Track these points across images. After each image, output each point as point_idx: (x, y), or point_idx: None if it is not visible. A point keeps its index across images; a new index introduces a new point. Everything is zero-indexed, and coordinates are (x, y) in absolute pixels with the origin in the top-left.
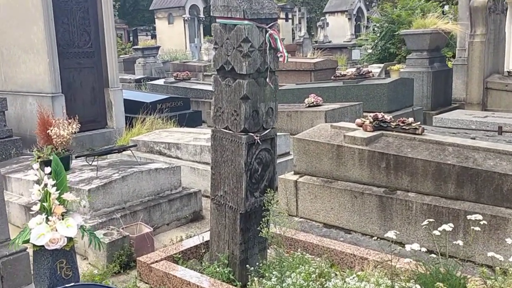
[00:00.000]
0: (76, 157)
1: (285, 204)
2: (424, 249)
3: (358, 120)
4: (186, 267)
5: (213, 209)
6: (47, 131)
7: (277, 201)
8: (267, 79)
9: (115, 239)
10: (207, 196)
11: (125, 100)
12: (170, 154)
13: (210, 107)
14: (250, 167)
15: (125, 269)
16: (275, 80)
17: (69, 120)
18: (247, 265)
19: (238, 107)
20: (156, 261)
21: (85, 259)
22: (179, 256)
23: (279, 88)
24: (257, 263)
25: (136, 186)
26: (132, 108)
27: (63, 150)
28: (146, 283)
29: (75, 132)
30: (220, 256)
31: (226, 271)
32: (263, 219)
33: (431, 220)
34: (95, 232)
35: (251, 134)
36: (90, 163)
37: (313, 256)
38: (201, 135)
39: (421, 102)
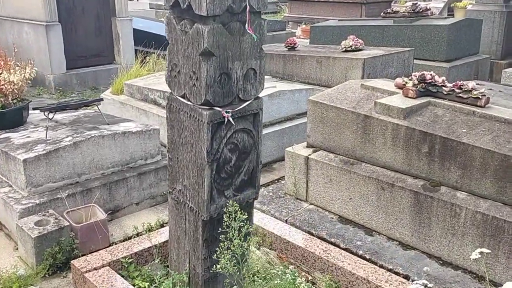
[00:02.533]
0: (33, 109)
1: (292, 185)
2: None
3: (398, 80)
4: (136, 276)
5: (171, 205)
6: None
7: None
8: (246, 25)
9: (48, 231)
10: None
11: (136, 31)
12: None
13: None
14: (217, 156)
15: (63, 269)
16: (261, 26)
17: (23, 63)
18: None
19: (198, 67)
20: (95, 268)
21: (17, 249)
22: (129, 260)
23: (316, 25)
24: (231, 281)
25: (95, 155)
26: (147, 41)
27: (15, 100)
28: None
29: (31, 79)
30: (178, 272)
31: None
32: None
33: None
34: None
35: (217, 108)
36: (49, 117)
37: (311, 273)
38: None
39: (489, 49)
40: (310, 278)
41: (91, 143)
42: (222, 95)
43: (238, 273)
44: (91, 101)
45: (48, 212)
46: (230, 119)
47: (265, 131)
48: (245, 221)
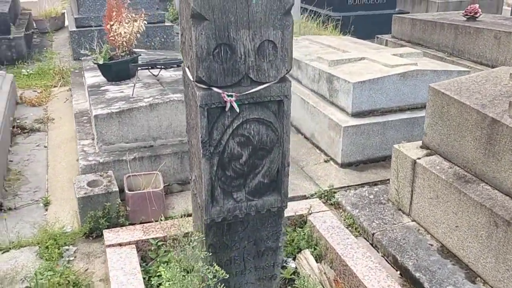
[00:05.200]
0: (139, 66)
1: (395, 191)
2: None
3: None
4: (164, 262)
5: (191, 195)
6: (107, 25)
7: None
8: None
9: (94, 193)
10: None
11: None
12: (291, 74)
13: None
14: (220, 149)
15: None
16: None
17: (133, 15)
18: None
19: (190, 34)
20: (120, 244)
21: None
22: (159, 243)
23: None
24: None
25: (173, 120)
26: None
27: (123, 53)
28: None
29: (140, 32)
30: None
31: None
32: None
33: None
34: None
35: (215, 89)
36: (154, 74)
37: None
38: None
39: None
40: None
41: (168, 107)
42: (222, 72)
43: None
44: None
45: (106, 173)
46: (234, 104)
47: (389, 117)
48: (266, 238)
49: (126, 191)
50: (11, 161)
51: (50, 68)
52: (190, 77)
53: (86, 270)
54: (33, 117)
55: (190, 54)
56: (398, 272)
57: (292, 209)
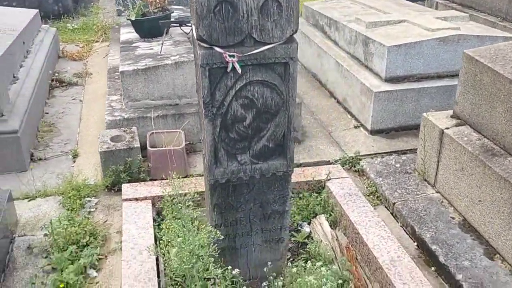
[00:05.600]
0: (170, 23)
1: (422, 161)
2: None
3: None
4: (179, 218)
5: (201, 152)
6: None
7: None
8: None
9: (116, 148)
10: (339, 104)
11: None
12: (330, 35)
13: None
14: (223, 110)
15: None
16: None
17: None
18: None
19: None
20: (136, 199)
21: None
22: (173, 200)
23: None
24: (253, 261)
25: None
26: None
27: (156, 10)
28: None
29: None
30: None
31: None
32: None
33: None
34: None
35: (217, 49)
36: (186, 31)
37: (372, 282)
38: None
39: None
40: None
41: (194, 66)
42: (224, 31)
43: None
44: None
45: (130, 129)
46: (236, 65)
47: (425, 84)
48: (273, 202)
49: (148, 148)
50: (47, 113)
51: (94, 23)
52: (195, 35)
53: (105, 221)
54: (72, 71)
55: (192, 12)
56: (415, 243)
57: (311, 174)
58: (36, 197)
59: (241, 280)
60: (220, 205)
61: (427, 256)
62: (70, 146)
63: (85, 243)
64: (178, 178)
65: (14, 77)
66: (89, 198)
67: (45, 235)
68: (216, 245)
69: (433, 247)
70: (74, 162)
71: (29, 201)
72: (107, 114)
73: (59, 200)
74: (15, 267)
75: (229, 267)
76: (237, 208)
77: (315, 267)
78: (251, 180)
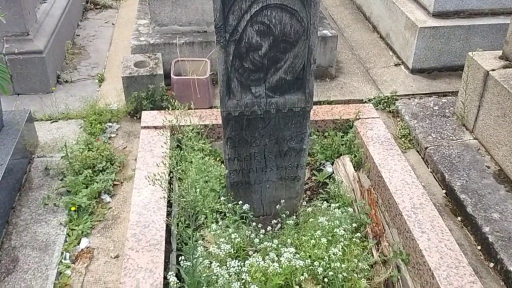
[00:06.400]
0: None
1: (461, 104)
2: None
3: None
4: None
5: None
6: None
7: None
8: None
9: (139, 74)
10: (382, 39)
11: None
12: None
13: None
14: (236, 36)
15: None
16: None
17: None
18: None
19: None
20: (155, 127)
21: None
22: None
23: None
24: (267, 198)
25: None
26: None
27: None
28: None
29: None
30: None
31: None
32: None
33: None
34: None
35: None
36: None
37: (391, 227)
38: None
39: None
40: (379, 233)
41: None
42: None
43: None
44: None
45: (155, 55)
46: None
47: (476, 21)
48: (289, 139)
49: (172, 75)
50: (78, 35)
51: None
52: None
53: (125, 148)
54: None
55: None
56: (444, 191)
57: (339, 112)
58: (59, 119)
59: (251, 216)
60: (234, 138)
61: (454, 205)
62: (97, 70)
63: (101, 168)
64: (200, 109)
65: None
66: (110, 124)
67: (62, 157)
68: (230, 178)
69: (462, 196)
70: (100, 86)
71: (51, 122)
72: (133, 38)
73: (81, 124)
74: (31, 187)
75: (240, 202)
76: (251, 143)
77: (330, 208)
78: (266, 114)
